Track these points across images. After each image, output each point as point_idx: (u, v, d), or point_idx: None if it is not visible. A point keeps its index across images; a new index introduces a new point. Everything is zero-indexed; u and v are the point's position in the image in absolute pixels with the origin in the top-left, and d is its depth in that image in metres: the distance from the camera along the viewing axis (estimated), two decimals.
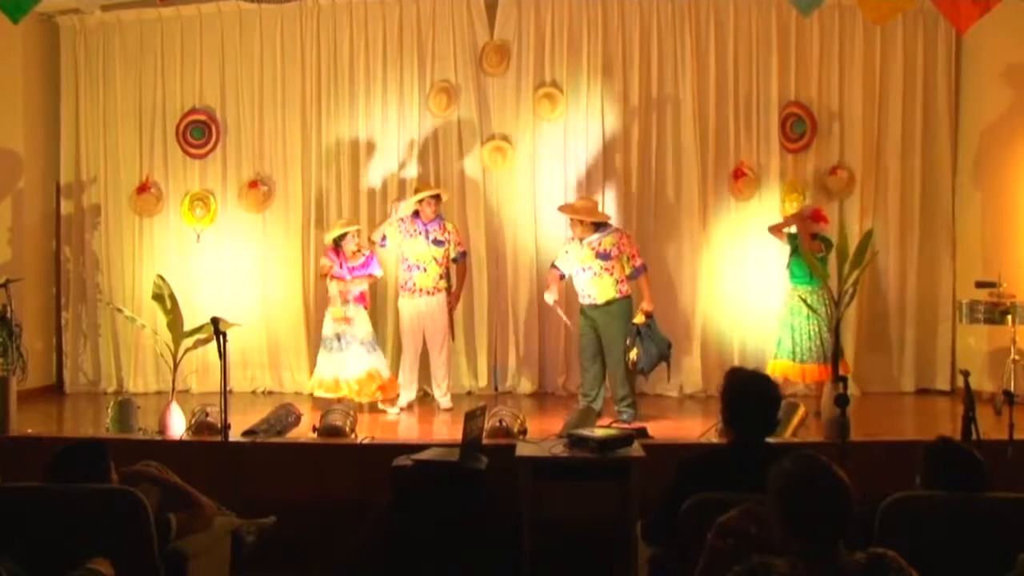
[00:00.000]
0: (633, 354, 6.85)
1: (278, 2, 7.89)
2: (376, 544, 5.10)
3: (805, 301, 7.19)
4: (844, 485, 2.42)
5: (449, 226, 7.59)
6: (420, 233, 7.47)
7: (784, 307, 7.47)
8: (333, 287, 7.37)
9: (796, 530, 2.39)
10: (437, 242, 7.47)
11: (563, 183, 8.39)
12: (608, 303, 6.98)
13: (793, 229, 7.48)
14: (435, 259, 7.47)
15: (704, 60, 8.34)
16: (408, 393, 7.63)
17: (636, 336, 6.87)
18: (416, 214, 7.53)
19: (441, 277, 7.52)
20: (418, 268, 7.47)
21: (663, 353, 6.93)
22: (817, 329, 7.20)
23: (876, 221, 8.20)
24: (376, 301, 8.45)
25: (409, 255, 7.50)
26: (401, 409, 7.53)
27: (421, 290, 7.48)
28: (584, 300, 7.11)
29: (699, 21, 8.35)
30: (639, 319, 6.91)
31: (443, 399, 7.61)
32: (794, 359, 7.24)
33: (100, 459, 3.73)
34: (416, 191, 7.69)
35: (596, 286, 7.01)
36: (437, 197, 7.55)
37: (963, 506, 3.17)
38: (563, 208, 7.38)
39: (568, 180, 8.39)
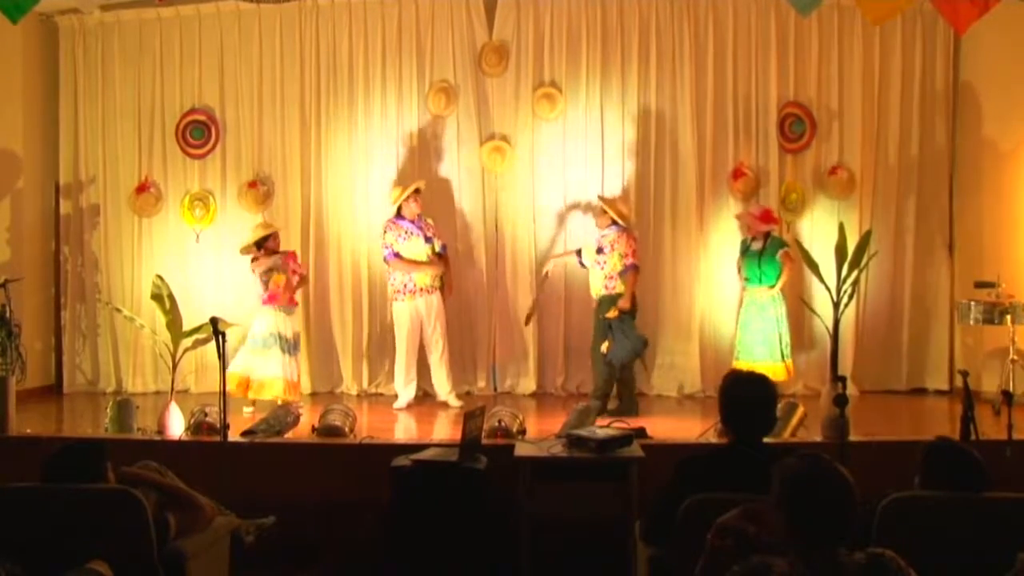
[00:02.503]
0: (604, 347, 7.09)
1: (277, 2, 7.89)
2: (375, 544, 5.10)
3: (756, 301, 7.34)
4: (849, 485, 2.42)
5: (430, 220, 7.68)
6: (414, 233, 7.50)
7: (741, 309, 7.61)
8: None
9: (800, 529, 2.39)
10: (427, 239, 7.54)
11: (562, 183, 8.39)
12: (600, 299, 7.23)
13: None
14: (429, 256, 7.52)
15: (703, 60, 8.35)
16: (407, 393, 7.63)
17: (608, 330, 7.10)
18: (399, 215, 7.55)
19: (437, 276, 7.57)
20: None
21: (636, 350, 7.14)
22: (773, 329, 7.27)
23: (875, 221, 8.22)
24: (375, 301, 8.46)
25: (408, 256, 7.49)
26: (399, 410, 7.55)
27: (421, 289, 7.49)
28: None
29: (698, 21, 8.35)
30: (612, 313, 7.10)
31: (450, 397, 7.60)
32: (752, 359, 7.25)
33: (96, 459, 3.72)
34: (400, 191, 7.67)
35: (591, 279, 7.35)
36: (418, 191, 7.60)
37: (962, 506, 3.17)
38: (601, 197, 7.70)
39: (567, 180, 8.40)
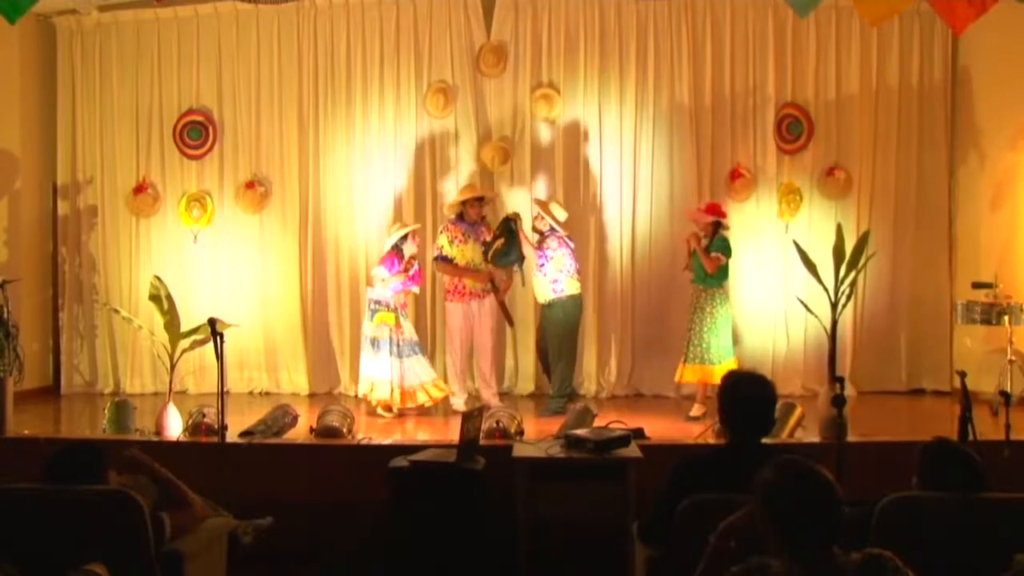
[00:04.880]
0: None
1: (275, 3, 7.88)
2: (373, 545, 5.10)
3: (698, 301, 7.18)
4: (828, 483, 2.41)
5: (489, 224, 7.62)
6: (471, 238, 7.44)
7: (690, 308, 7.38)
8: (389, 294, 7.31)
9: (787, 534, 2.39)
10: (484, 244, 7.45)
11: (561, 184, 8.39)
12: (550, 303, 7.36)
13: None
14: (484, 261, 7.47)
15: (701, 61, 8.35)
16: (462, 396, 7.57)
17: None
18: (461, 217, 7.51)
19: (484, 282, 7.50)
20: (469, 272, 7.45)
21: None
22: (712, 329, 7.11)
23: (873, 222, 8.22)
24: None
25: (460, 260, 7.41)
26: (457, 412, 7.37)
27: (471, 294, 7.44)
28: None
29: (695, 22, 8.36)
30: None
31: (494, 398, 7.53)
32: (694, 361, 7.13)
33: (96, 460, 3.73)
34: (461, 192, 7.64)
35: (537, 286, 7.46)
36: (481, 199, 7.56)
37: (960, 507, 3.17)
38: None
39: (565, 181, 8.39)
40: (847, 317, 7.85)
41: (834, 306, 6.82)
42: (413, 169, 8.46)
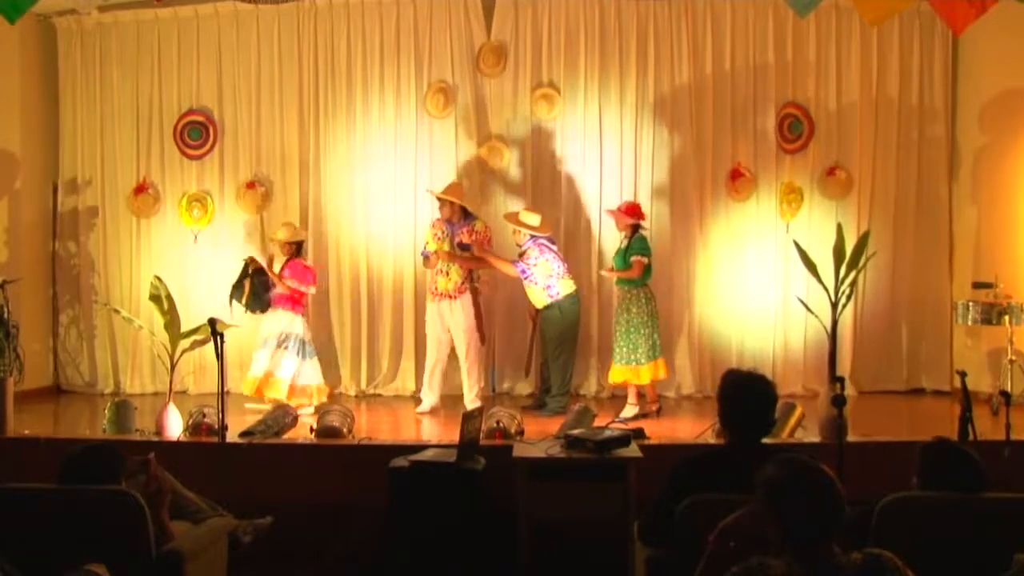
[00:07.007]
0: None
1: (275, 3, 7.88)
2: (373, 545, 5.10)
3: (623, 302, 7.18)
4: (831, 481, 2.42)
5: (479, 225, 7.50)
6: (447, 236, 7.43)
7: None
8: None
9: (789, 532, 2.39)
10: (463, 246, 7.39)
11: (561, 184, 8.39)
12: (547, 307, 7.37)
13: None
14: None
15: (701, 61, 8.35)
16: (431, 397, 7.57)
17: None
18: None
19: (464, 280, 7.42)
20: (441, 272, 7.42)
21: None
22: (638, 330, 7.09)
23: (873, 222, 8.22)
24: (374, 302, 8.45)
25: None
26: (422, 413, 7.46)
27: (443, 294, 7.42)
28: None
29: (696, 22, 8.35)
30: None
31: (476, 400, 7.46)
32: (628, 363, 7.11)
33: (115, 462, 3.75)
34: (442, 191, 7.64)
35: (531, 294, 7.47)
36: (452, 203, 7.48)
37: (960, 507, 3.18)
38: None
39: (565, 181, 8.39)
40: (847, 317, 7.85)
41: (834, 306, 6.81)
42: (413, 169, 8.45)
